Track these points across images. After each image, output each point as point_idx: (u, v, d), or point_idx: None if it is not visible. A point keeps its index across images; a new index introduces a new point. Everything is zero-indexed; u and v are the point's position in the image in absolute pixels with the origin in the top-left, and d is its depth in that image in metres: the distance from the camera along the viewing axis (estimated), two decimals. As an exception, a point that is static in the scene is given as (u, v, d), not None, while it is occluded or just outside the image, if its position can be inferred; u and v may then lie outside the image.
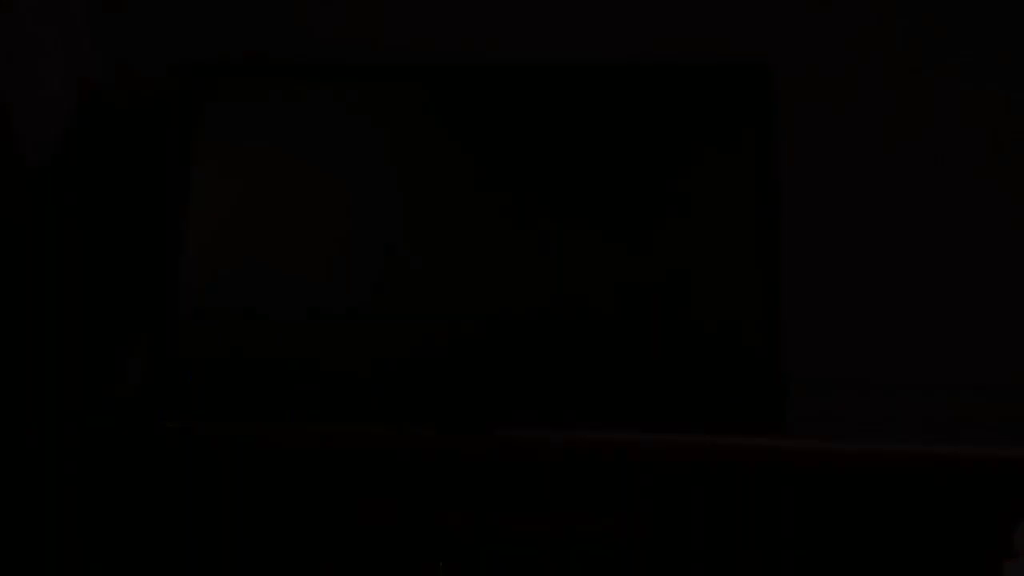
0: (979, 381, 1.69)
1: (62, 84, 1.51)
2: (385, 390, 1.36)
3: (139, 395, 1.54)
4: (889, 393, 1.71)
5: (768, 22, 1.46)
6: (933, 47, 1.46)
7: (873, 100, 1.50)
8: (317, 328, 1.39)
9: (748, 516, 1.18)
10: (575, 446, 1.19)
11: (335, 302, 1.40)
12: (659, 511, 1.19)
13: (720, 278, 1.37)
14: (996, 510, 1.16)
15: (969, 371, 1.68)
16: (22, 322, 1.40)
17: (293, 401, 1.37)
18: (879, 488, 1.17)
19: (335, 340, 1.39)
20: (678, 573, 1.19)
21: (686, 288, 1.37)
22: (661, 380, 1.34)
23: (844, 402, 1.72)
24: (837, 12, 1.45)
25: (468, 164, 1.44)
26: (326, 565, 1.20)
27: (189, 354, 1.38)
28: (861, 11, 1.45)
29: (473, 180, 1.43)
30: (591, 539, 1.19)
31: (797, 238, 1.47)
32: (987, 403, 1.69)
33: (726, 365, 1.32)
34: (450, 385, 1.35)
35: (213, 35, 1.51)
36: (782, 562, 1.18)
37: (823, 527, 1.17)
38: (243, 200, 1.45)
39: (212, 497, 1.23)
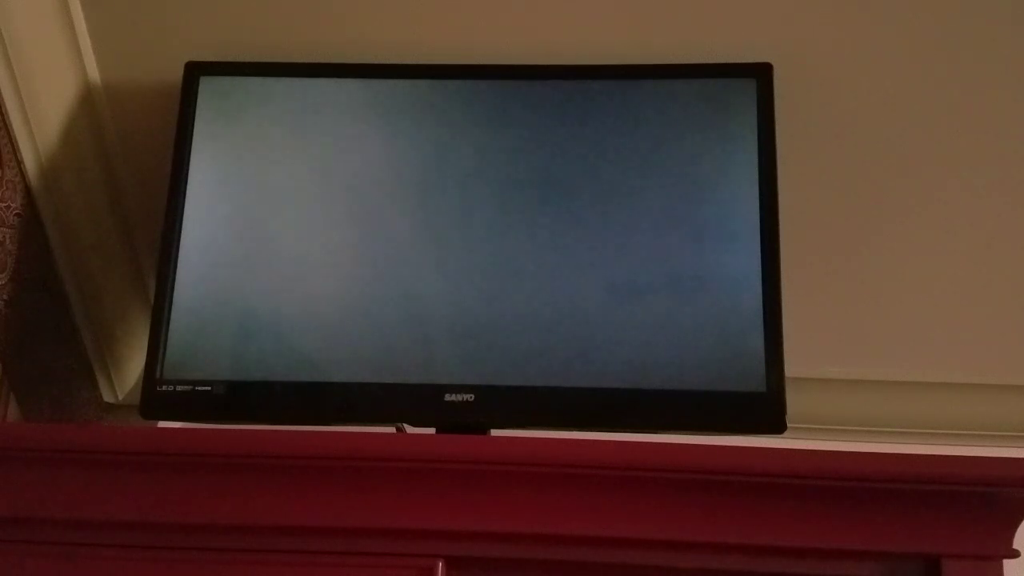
0: (979, 380, 1.69)
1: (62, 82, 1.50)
2: (384, 392, 1.36)
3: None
4: (887, 392, 1.72)
5: (769, 21, 1.46)
6: (935, 45, 1.46)
7: (873, 98, 1.51)
8: (313, 328, 1.39)
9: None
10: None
11: (330, 301, 1.40)
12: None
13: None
14: (996, 510, 1.17)
15: (969, 370, 1.69)
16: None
17: (291, 403, 1.36)
18: (878, 488, 1.17)
19: (333, 340, 1.38)
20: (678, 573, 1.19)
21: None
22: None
23: (842, 402, 1.72)
24: (838, 11, 1.45)
25: (469, 162, 1.44)
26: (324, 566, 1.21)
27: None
28: (862, 9, 1.45)
29: (475, 177, 1.43)
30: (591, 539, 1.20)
31: (795, 236, 1.48)
32: (987, 401, 1.70)
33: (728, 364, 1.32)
34: (450, 385, 1.35)
35: (213, 35, 1.51)
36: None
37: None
38: (238, 198, 1.44)
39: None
